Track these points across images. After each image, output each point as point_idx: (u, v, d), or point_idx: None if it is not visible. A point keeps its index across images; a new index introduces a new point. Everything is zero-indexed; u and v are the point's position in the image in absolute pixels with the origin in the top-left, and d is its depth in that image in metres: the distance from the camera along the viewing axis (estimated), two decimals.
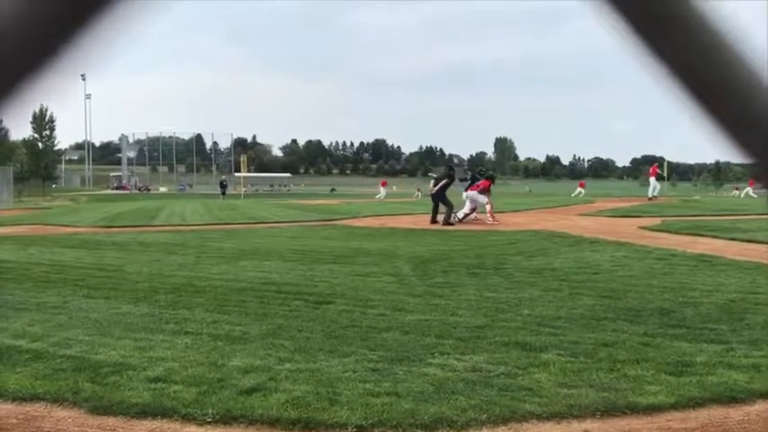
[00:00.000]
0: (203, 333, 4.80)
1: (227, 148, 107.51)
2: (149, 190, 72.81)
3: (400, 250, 9.99)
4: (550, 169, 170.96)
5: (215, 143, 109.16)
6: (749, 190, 39.92)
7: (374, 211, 21.77)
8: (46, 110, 56.96)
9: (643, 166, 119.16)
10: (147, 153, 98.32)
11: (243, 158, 50.84)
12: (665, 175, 37.20)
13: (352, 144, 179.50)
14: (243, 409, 3.29)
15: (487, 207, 16.08)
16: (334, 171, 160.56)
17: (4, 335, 4.79)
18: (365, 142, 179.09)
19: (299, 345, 4.45)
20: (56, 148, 63.84)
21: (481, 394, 3.47)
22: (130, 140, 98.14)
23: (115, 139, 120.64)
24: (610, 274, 7.51)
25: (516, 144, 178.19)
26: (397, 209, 23.06)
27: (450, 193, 16.34)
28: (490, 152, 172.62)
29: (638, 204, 24.99)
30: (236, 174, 61.60)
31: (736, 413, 3.31)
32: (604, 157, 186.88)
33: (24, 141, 56.45)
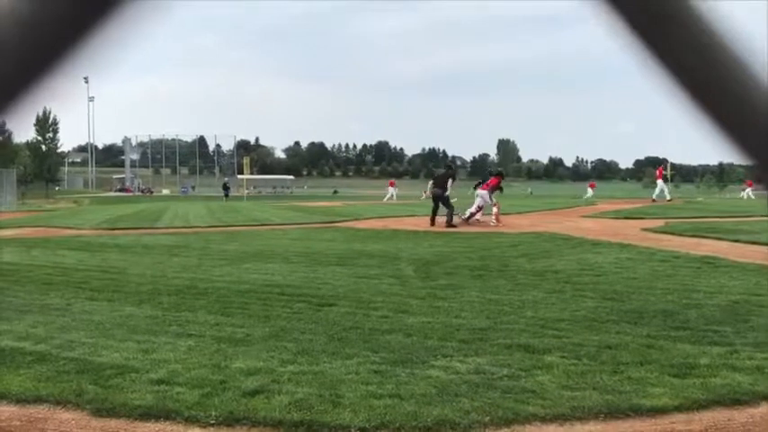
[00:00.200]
0: (206, 335, 4.80)
1: (230, 151, 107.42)
2: (152, 192, 72.91)
3: (403, 252, 10.00)
4: (553, 171, 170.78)
5: (218, 145, 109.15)
6: (749, 191, 39.81)
7: (377, 213, 21.79)
8: (49, 112, 57.31)
9: (646, 168, 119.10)
10: (150, 155, 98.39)
11: (246, 160, 50.77)
12: (669, 176, 37.16)
13: (354, 146, 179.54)
14: (246, 412, 3.30)
15: (494, 209, 16.06)
16: (337, 173, 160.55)
17: (8, 337, 4.80)
18: (368, 144, 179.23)
19: (301, 347, 4.45)
20: (59, 150, 64.04)
21: (484, 396, 3.47)
22: (133, 143, 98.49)
23: (118, 141, 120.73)
24: (613, 276, 7.50)
25: (519, 146, 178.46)
26: (400, 210, 23.07)
27: (455, 194, 16.29)
28: (493, 154, 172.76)
29: (642, 206, 24.96)
30: (239, 176, 61.58)
31: (740, 415, 3.30)
32: (607, 158, 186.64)
33: (28, 144, 56.60)
